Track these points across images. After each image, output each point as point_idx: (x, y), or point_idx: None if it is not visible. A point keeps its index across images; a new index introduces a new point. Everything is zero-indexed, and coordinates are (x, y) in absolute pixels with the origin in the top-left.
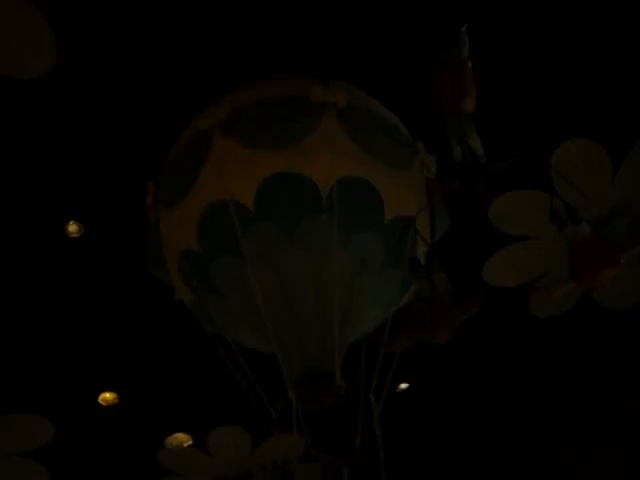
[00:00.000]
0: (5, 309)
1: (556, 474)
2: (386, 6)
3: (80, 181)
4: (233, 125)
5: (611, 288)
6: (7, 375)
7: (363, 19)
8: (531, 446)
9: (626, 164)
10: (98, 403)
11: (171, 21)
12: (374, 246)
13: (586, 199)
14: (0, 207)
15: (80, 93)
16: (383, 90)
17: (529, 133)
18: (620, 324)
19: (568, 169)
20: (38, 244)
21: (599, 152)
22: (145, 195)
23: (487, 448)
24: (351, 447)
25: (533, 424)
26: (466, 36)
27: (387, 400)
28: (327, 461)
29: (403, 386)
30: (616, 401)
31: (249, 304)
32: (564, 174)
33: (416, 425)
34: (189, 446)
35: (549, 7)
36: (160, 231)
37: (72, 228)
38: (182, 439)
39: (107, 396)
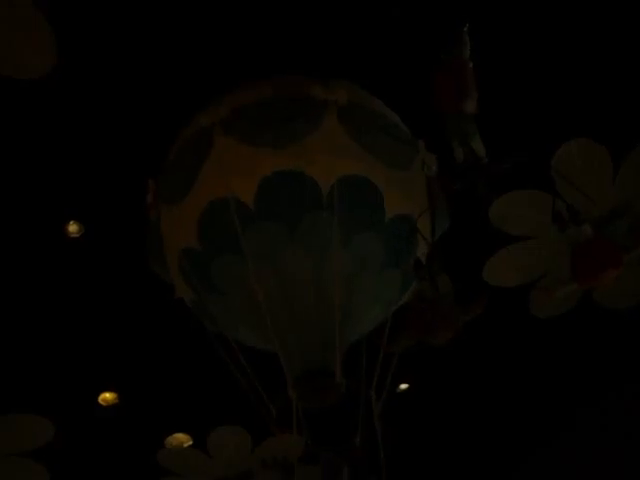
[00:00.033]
0: (5, 309)
1: (556, 474)
2: (386, 6)
3: (80, 181)
4: (234, 124)
5: (611, 288)
6: (7, 375)
7: (363, 19)
8: (531, 446)
9: (627, 164)
10: (98, 403)
11: (171, 21)
12: (374, 245)
13: (587, 199)
14: (0, 207)
15: (80, 93)
16: (383, 89)
17: (530, 134)
18: (620, 324)
19: (569, 169)
20: (38, 244)
21: (600, 152)
22: (145, 194)
23: (487, 448)
24: (351, 445)
25: (533, 424)
26: (467, 36)
27: (387, 399)
28: (327, 459)
29: (403, 386)
30: (616, 401)
31: (249, 302)
32: (565, 174)
33: (416, 425)
34: (189, 446)
35: (550, 7)
36: (160, 229)
37: (72, 228)
38: (182, 439)
39: (107, 396)
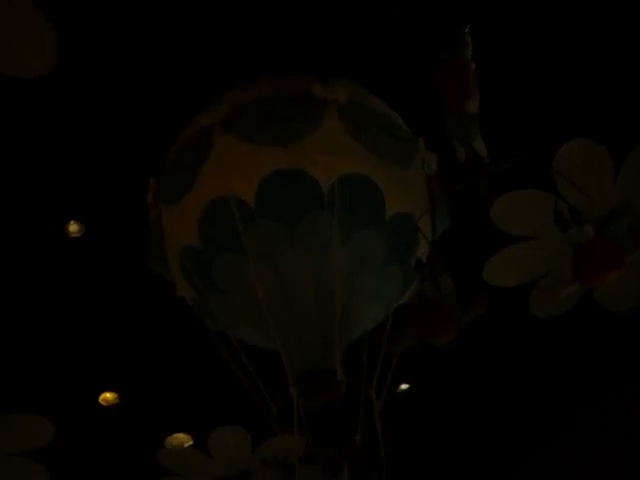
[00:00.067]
0: (5, 309)
1: (556, 474)
2: (386, 6)
3: (81, 181)
4: (234, 122)
5: (612, 289)
6: (7, 375)
7: (363, 18)
8: (531, 446)
9: (628, 164)
10: (99, 403)
11: (171, 20)
12: (374, 244)
13: (588, 199)
14: (0, 207)
15: (80, 92)
16: (384, 88)
17: (531, 134)
18: (620, 324)
19: (570, 169)
20: (38, 244)
21: (601, 152)
22: (146, 194)
23: (487, 448)
24: (352, 444)
25: (533, 424)
26: (469, 37)
27: (388, 399)
28: (328, 457)
29: (404, 387)
30: (616, 401)
31: (250, 301)
32: (566, 174)
33: (416, 424)
34: (189, 446)
35: (551, 7)
36: (161, 228)
37: (73, 228)
38: (182, 439)
39: (108, 396)
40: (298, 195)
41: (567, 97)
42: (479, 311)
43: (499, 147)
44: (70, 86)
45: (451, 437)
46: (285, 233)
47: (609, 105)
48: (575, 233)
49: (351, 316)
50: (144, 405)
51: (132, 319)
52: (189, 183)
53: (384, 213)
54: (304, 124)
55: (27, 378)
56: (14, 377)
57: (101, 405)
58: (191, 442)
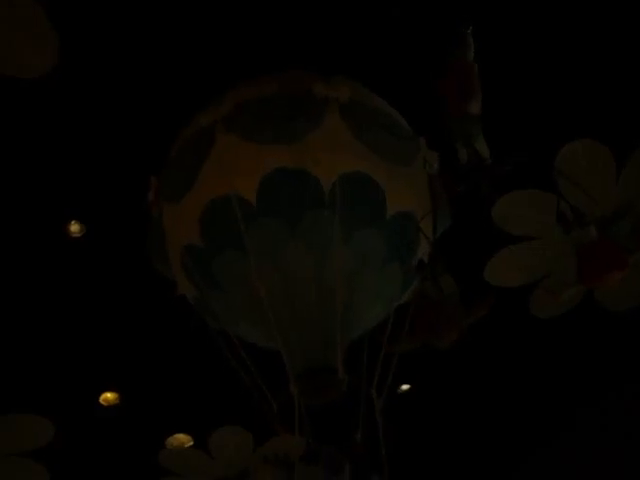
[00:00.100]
0: (6, 309)
1: (556, 474)
2: (386, 6)
3: (81, 181)
4: (236, 120)
5: (614, 289)
6: (7, 375)
7: (363, 18)
8: (531, 446)
9: (631, 165)
10: (99, 403)
11: (172, 18)
12: (375, 242)
13: (591, 200)
14: (0, 207)
15: (81, 92)
16: (384, 87)
17: (533, 134)
18: (620, 324)
19: (573, 170)
20: (39, 244)
21: (604, 153)
22: (147, 193)
23: (487, 448)
24: (353, 442)
25: (533, 424)
26: (471, 38)
27: (389, 398)
28: (329, 455)
29: (404, 387)
30: (616, 401)
31: (251, 299)
32: (569, 175)
33: (416, 423)
34: (190, 447)
35: (552, 7)
36: (163, 227)
37: (74, 228)
38: (183, 440)
39: (108, 396)
40: (299, 193)
41: (570, 98)
42: (482, 312)
43: (501, 148)
44: (71, 86)
45: (451, 437)
46: (286, 231)
47: (611, 106)
48: (578, 234)
49: (352, 314)
50: (145, 405)
51: (133, 319)
52: (190, 181)
53: (385, 212)
54: (305, 122)
55: (27, 378)
56: (14, 377)
57: (102, 405)
58: (191, 443)
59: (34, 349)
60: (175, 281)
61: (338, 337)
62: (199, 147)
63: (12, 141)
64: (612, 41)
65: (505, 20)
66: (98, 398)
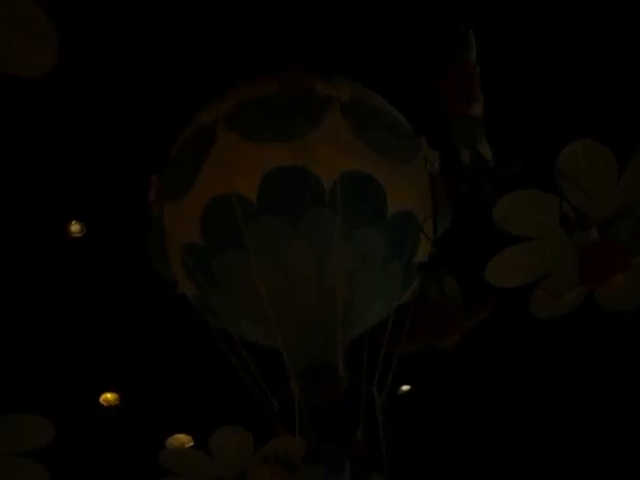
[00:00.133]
0: (6, 309)
1: (556, 474)
2: (386, 5)
3: (82, 181)
4: (237, 120)
5: (614, 291)
6: (7, 375)
7: (364, 18)
8: (531, 446)
9: (632, 166)
10: (99, 403)
11: (173, 18)
12: (376, 241)
13: (591, 201)
14: (1, 207)
15: (81, 92)
16: (385, 87)
17: (535, 135)
18: (620, 324)
19: (574, 170)
20: (39, 244)
21: (605, 153)
22: (148, 192)
23: (487, 448)
24: (353, 440)
25: (533, 424)
26: (473, 39)
27: (389, 397)
28: (329, 453)
29: (405, 388)
30: (616, 401)
31: (252, 297)
32: (570, 175)
33: (416, 423)
34: (190, 447)
35: (553, 7)
36: (163, 225)
37: (74, 228)
38: (183, 440)
39: (108, 396)
40: (300, 192)
41: (571, 98)
42: (485, 314)
43: (502, 149)
44: (71, 86)
45: (451, 436)
46: (287, 230)
47: (613, 106)
48: (580, 236)
49: (353, 313)
50: (145, 406)
51: (133, 319)
52: (191, 180)
53: (386, 210)
54: (306, 122)
55: (27, 378)
56: (14, 377)
57: (102, 405)
58: (191, 443)
59: (34, 349)
60: (175, 281)
61: (339, 335)
62: (200, 146)
63: (12, 141)
64: (612, 41)
65: (505, 21)
66: (98, 398)
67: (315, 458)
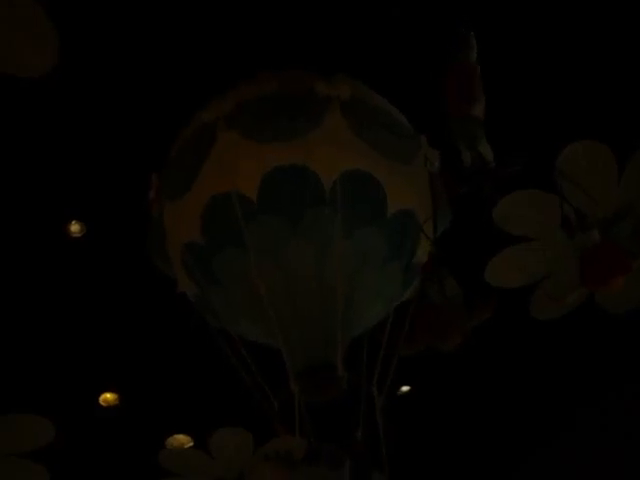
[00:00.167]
0: (6, 309)
1: (556, 474)
2: (386, 5)
3: (82, 181)
4: (237, 119)
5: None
6: (7, 375)
7: (364, 18)
8: (531, 446)
9: (632, 166)
10: (99, 404)
11: (173, 18)
12: (376, 240)
13: (592, 201)
14: (0, 207)
15: (81, 91)
16: (385, 86)
17: (535, 135)
18: (620, 324)
19: (574, 171)
20: (39, 244)
21: (605, 153)
22: (148, 191)
23: (487, 448)
24: (353, 440)
25: (533, 424)
26: (474, 40)
27: (390, 398)
28: (329, 451)
29: (405, 389)
30: (616, 401)
31: (252, 297)
32: (570, 176)
33: (416, 423)
34: (190, 447)
35: (552, 7)
36: (163, 224)
37: (74, 228)
38: (183, 441)
39: (108, 397)
40: (300, 191)
41: (571, 99)
42: (486, 315)
43: (503, 149)
44: (71, 85)
45: (451, 436)
46: (287, 229)
47: (613, 107)
48: (581, 238)
49: (353, 313)
50: (145, 406)
51: (132, 319)
52: (191, 179)
53: (386, 210)
54: (306, 121)
55: (27, 378)
56: (14, 377)
57: (101, 406)
58: (191, 443)
59: (34, 349)
60: (175, 280)
61: (339, 335)
62: (200, 145)
63: (12, 141)
64: (612, 42)
65: (505, 21)
66: (98, 399)
67: (315, 457)
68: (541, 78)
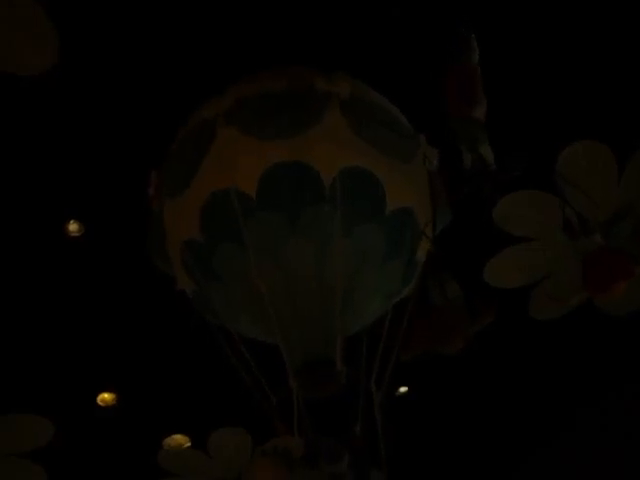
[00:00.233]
0: (4, 310)
1: (556, 474)
2: (386, 5)
3: (81, 180)
4: (237, 115)
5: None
6: (7, 375)
7: (364, 17)
8: (531, 446)
9: (632, 166)
10: (96, 404)
11: (173, 15)
12: (375, 238)
13: (592, 202)
14: None
15: (80, 90)
16: (385, 85)
17: (535, 136)
18: (620, 324)
19: (574, 171)
20: (38, 244)
21: (605, 153)
22: (147, 189)
23: (487, 448)
24: (352, 435)
25: (533, 424)
26: (475, 42)
27: (388, 397)
28: (327, 446)
29: (403, 389)
30: (616, 401)
31: (251, 294)
32: (570, 176)
33: (416, 422)
34: (189, 447)
35: (552, 8)
36: (163, 222)
37: (72, 227)
38: (180, 441)
39: (106, 397)
40: (300, 188)
41: (571, 99)
42: (488, 319)
43: (503, 150)
44: (70, 84)
45: (451, 436)
46: (286, 227)
47: (613, 107)
48: (584, 242)
49: (352, 309)
50: (143, 406)
51: (131, 319)
52: (191, 175)
53: (385, 207)
54: (306, 118)
55: (24, 378)
56: (14, 377)
57: (99, 406)
58: (189, 444)
59: (33, 349)
60: (174, 280)
61: (337, 332)
62: (200, 142)
63: (11, 140)
64: (612, 42)
65: (505, 21)
66: (95, 399)
67: (314, 452)
68: (541, 78)
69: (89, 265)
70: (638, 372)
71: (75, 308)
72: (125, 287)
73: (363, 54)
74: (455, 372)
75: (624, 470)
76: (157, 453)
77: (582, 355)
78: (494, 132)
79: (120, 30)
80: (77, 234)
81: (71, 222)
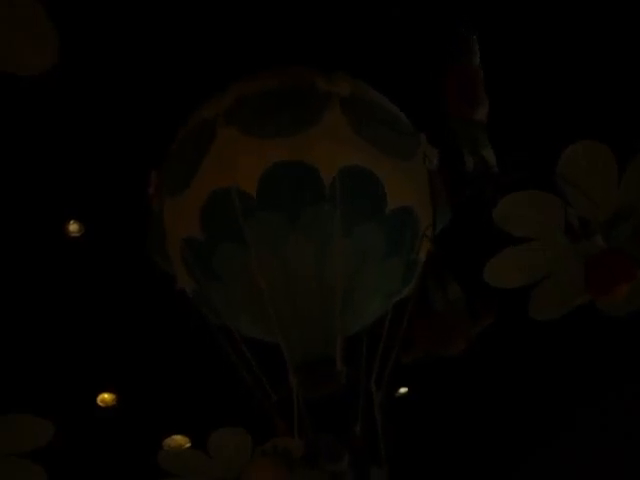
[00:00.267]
0: (4, 310)
1: (556, 474)
2: (386, 5)
3: (81, 180)
4: (237, 114)
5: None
6: (7, 375)
7: (364, 17)
8: (531, 446)
9: (632, 167)
10: (97, 404)
11: (173, 15)
12: (375, 237)
13: (592, 203)
14: None
15: (80, 90)
16: (385, 85)
17: (535, 136)
18: (620, 324)
19: (574, 172)
20: (38, 244)
21: (605, 154)
22: (147, 187)
23: (487, 448)
24: (352, 434)
25: (533, 424)
26: (477, 44)
27: (388, 397)
28: (327, 444)
29: (402, 390)
30: (616, 401)
31: (251, 294)
32: (570, 177)
33: (416, 422)
34: (189, 447)
35: (552, 8)
36: (163, 221)
37: (72, 227)
38: (180, 441)
39: (105, 397)
40: (300, 187)
41: (571, 100)
42: (489, 320)
43: (503, 150)
44: (70, 84)
45: (451, 436)
46: (286, 227)
47: (613, 107)
48: (585, 245)
49: (352, 309)
50: (143, 406)
51: (131, 319)
52: (191, 175)
53: (385, 206)
54: (307, 116)
55: (23, 378)
56: (14, 377)
57: (99, 406)
58: (189, 444)
59: (33, 349)
60: (174, 280)
61: (337, 331)
62: (200, 141)
63: (11, 140)
64: (612, 43)
65: (506, 22)
66: (95, 399)
67: (314, 451)
68: (542, 79)
69: (89, 265)
70: (638, 372)
71: (75, 308)
72: (125, 287)
73: (363, 54)
74: (455, 372)
75: (624, 470)
76: (157, 453)
77: (582, 355)
78: (494, 132)
79: (120, 30)
80: (77, 234)
81: (71, 222)
